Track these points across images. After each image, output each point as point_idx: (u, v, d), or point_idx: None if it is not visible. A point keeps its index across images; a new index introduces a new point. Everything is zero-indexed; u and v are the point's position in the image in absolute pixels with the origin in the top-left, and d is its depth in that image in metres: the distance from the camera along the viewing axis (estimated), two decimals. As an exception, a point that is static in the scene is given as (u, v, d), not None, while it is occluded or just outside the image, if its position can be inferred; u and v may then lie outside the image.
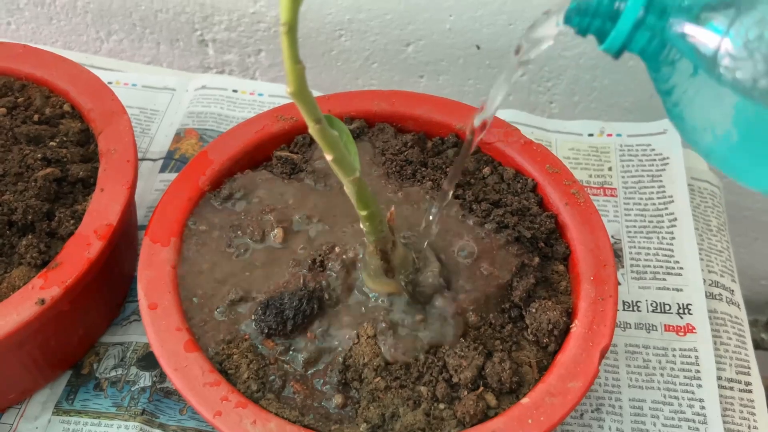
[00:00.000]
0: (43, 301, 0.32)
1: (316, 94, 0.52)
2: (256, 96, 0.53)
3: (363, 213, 0.30)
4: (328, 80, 0.61)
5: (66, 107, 0.42)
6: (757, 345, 0.69)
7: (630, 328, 0.42)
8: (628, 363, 0.40)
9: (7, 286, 0.34)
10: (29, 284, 0.33)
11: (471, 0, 0.54)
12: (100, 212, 0.36)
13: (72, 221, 0.36)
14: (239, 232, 0.37)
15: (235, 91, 0.54)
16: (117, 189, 0.37)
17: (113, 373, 0.39)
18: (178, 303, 0.34)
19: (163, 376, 0.39)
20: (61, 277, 0.33)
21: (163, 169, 0.48)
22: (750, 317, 0.71)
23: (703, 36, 0.24)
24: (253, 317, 0.34)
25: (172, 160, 0.49)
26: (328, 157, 0.27)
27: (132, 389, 0.38)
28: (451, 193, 0.33)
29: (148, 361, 0.39)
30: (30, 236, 0.35)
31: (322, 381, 0.32)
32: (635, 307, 0.43)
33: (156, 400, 0.38)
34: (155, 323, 0.33)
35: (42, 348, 0.36)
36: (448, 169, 0.40)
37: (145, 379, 0.38)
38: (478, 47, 0.57)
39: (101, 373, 0.39)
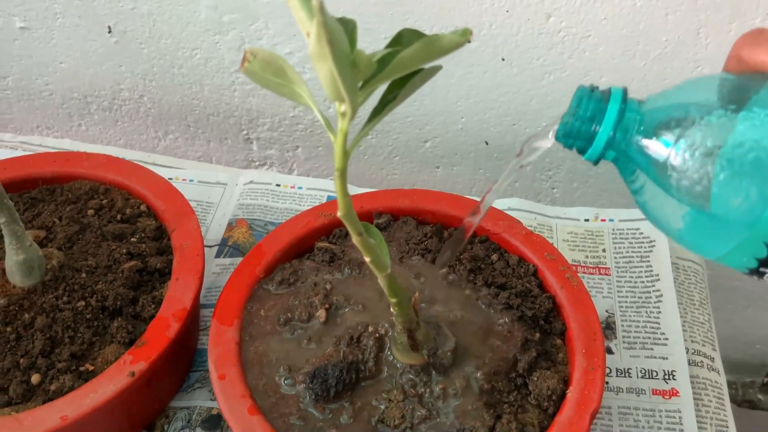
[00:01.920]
0: (133, 374, 0.40)
1: (354, 188, 0.60)
2: (296, 189, 0.62)
3: (393, 300, 0.38)
4: (357, 171, 0.70)
5: (143, 207, 0.50)
6: (754, 405, 0.74)
7: (622, 392, 0.48)
8: (621, 423, 0.47)
9: (101, 360, 0.42)
10: (121, 360, 0.41)
11: (480, 105, 0.62)
12: (177, 298, 0.44)
13: (153, 306, 0.44)
14: (289, 314, 0.44)
15: (278, 185, 0.62)
16: (189, 278, 0.45)
17: (181, 434, 0.46)
18: (242, 374, 0.41)
19: (223, 436, 0.46)
20: (147, 353, 0.41)
21: (218, 255, 0.57)
22: (747, 379, 0.76)
23: (654, 149, 0.32)
24: (302, 385, 0.41)
25: (226, 247, 0.57)
26: (367, 259, 0.35)
27: (198, 447, 0.45)
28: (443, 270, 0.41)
29: (210, 422, 0.46)
30: (119, 319, 0.43)
31: (360, 439, 0.39)
32: (626, 374, 0.49)
33: (218, 456, 0.45)
34: (224, 391, 0.40)
35: (126, 413, 0.43)
36: (462, 256, 0.47)
37: (209, 439, 0.45)
38: (487, 143, 0.65)
39: (171, 433, 0.46)
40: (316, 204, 0.61)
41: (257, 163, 0.72)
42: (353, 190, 0.62)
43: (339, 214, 0.33)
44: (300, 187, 0.62)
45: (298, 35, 0.60)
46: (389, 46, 0.32)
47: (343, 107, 0.29)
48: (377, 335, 0.42)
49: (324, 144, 0.69)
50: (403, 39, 0.31)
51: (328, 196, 0.62)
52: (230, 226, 0.59)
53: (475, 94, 0.62)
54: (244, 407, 0.39)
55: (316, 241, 0.49)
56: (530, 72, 0.59)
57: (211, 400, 0.47)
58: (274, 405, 0.40)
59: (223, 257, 0.56)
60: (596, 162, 0.35)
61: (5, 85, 0.69)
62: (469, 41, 0.28)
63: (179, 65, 0.64)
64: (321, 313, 0.44)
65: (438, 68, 0.32)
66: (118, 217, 0.49)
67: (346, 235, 0.50)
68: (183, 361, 0.48)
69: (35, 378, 0.41)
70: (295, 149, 0.70)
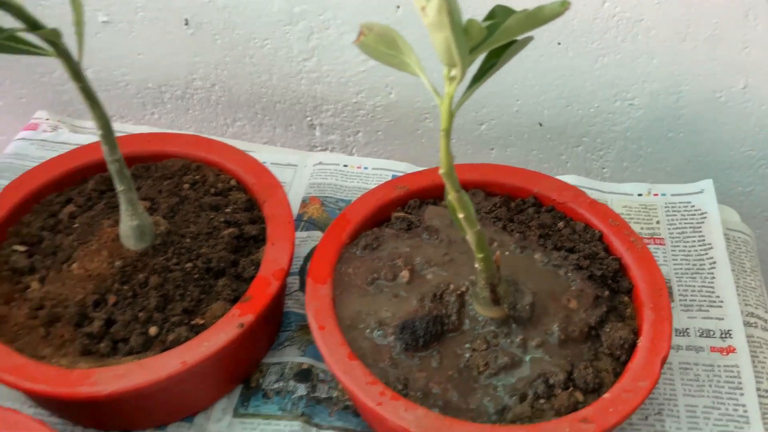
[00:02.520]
0: (242, 325, 0.44)
1: (412, 167, 0.64)
2: (362, 169, 0.66)
3: (479, 256, 0.42)
4: (414, 154, 0.73)
5: (233, 182, 0.55)
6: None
7: (682, 349, 0.52)
8: (682, 377, 0.50)
9: (210, 315, 0.46)
10: (229, 313, 0.45)
11: (535, 88, 0.66)
12: (274, 260, 0.48)
13: (252, 267, 0.48)
14: (375, 274, 0.48)
15: (345, 165, 0.66)
16: (284, 243, 0.49)
17: (276, 386, 0.50)
18: (338, 326, 0.45)
19: (314, 387, 0.50)
20: (253, 307, 0.45)
21: (295, 229, 0.61)
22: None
23: None
24: (392, 336, 0.45)
25: (301, 222, 0.61)
26: (461, 215, 0.39)
27: (292, 397, 0.49)
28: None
29: (301, 375, 0.50)
30: (224, 279, 0.48)
31: (449, 383, 0.43)
32: (685, 333, 0.52)
33: (310, 405, 0.49)
34: (325, 340, 0.44)
35: (231, 364, 0.48)
36: (531, 223, 0.51)
37: (301, 390, 0.49)
38: (541, 124, 0.69)
39: (266, 386, 0.50)
40: (382, 182, 0.65)
41: (319, 148, 0.76)
42: (413, 169, 0.66)
43: (441, 171, 0.37)
44: (365, 168, 0.66)
45: (365, 24, 0.64)
46: (485, 20, 0.36)
47: (453, 71, 0.33)
48: (459, 293, 0.46)
49: (383, 128, 0.73)
50: (497, 14, 0.35)
51: (393, 175, 0.65)
52: (304, 203, 0.63)
53: (531, 78, 0.65)
54: (343, 353, 0.43)
55: (393, 212, 0.53)
56: (584, 56, 0.63)
57: (300, 356, 0.51)
58: (369, 352, 0.44)
59: (300, 231, 0.60)
60: None
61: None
62: (566, 10, 0.32)
63: (250, 55, 0.69)
64: (405, 274, 0.48)
65: (530, 39, 0.36)
66: (212, 191, 0.54)
67: (420, 205, 0.54)
68: (275, 321, 0.52)
69: (153, 330, 0.45)
70: (355, 134, 0.74)
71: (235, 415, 0.49)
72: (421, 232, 0.51)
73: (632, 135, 0.69)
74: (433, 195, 0.54)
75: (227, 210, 0.52)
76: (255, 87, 0.72)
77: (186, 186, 0.54)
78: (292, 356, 0.52)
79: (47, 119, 0.71)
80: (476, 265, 0.43)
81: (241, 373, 0.50)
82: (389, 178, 0.65)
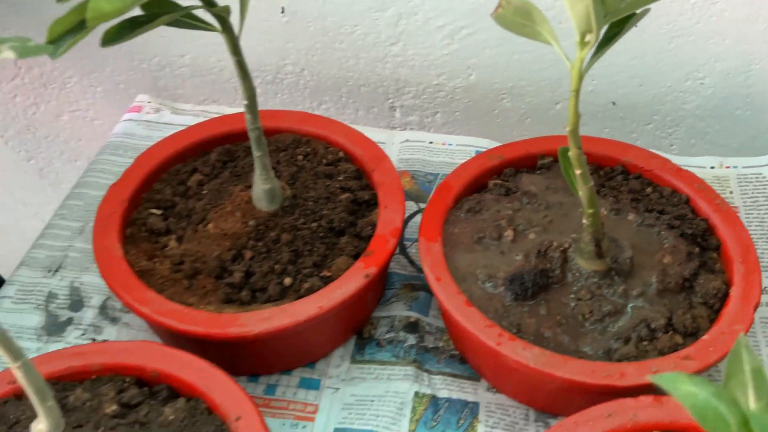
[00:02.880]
0: (368, 275, 0.49)
1: (493, 143, 0.69)
2: (447, 146, 0.71)
3: (589, 211, 0.46)
4: (489, 133, 0.78)
5: (341, 154, 0.60)
6: None
7: (762, 306, 0.55)
8: (763, 330, 0.54)
9: (335, 268, 0.51)
10: (354, 266, 0.50)
11: (611, 67, 0.70)
12: (389, 221, 0.53)
13: (369, 227, 0.53)
14: (481, 234, 0.53)
15: (431, 142, 0.71)
16: (396, 206, 0.54)
17: (387, 336, 0.55)
18: (452, 278, 0.50)
19: (423, 338, 0.54)
20: (376, 260, 0.50)
21: (390, 199, 0.66)
22: None
23: None
24: (502, 287, 0.49)
25: (396, 193, 0.66)
26: (578, 171, 0.43)
27: (403, 346, 0.54)
28: None
29: (410, 327, 0.55)
30: (346, 237, 0.53)
31: (558, 327, 0.47)
32: (765, 291, 0.56)
33: (420, 353, 0.53)
34: (443, 290, 0.49)
35: (353, 314, 0.53)
36: (621, 189, 0.55)
37: (411, 340, 0.54)
38: (614, 103, 0.73)
39: (379, 336, 0.55)
40: (466, 157, 0.69)
41: (398, 129, 0.81)
42: (494, 145, 0.70)
43: (567, 129, 0.42)
44: (450, 144, 0.71)
45: (450, 10, 0.69)
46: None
47: (588, 37, 0.37)
48: (562, 249, 0.50)
49: (461, 109, 0.77)
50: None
51: (475, 150, 0.70)
52: (396, 176, 0.68)
53: (606, 57, 0.69)
54: (461, 301, 0.48)
55: (489, 179, 0.58)
56: (659, 36, 0.67)
57: (407, 310, 0.56)
58: (483, 301, 0.49)
59: (395, 201, 0.65)
60: None
61: (182, 63, 0.80)
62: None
63: (340, 41, 0.74)
64: (509, 233, 0.52)
65: (647, 11, 0.40)
66: (323, 161, 0.59)
67: (515, 174, 0.58)
68: (384, 278, 0.57)
69: (287, 281, 0.50)
70: (434, 115, 0.79)
71: (353, 362, 0.53)
72: (520, 197, 0.55)
73: (701, 113, 0.72)
74: (525, 164, 0.59)
75: (339, 178, 0.57)
76: (342, 71, 0.77)
77: (300, 157, 0.59)
78: (399, 311, 0.56)
79: (149, 102, 0.77)
80: (584, 221, 0.47)
81: (355, 325, 0.55)
82: (472, 153, 0.70)
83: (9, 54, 0.27)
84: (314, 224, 0.53)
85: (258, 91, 0.81)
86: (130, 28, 0.37)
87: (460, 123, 0.79)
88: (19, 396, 0.44)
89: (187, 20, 0.41)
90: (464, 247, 0.52)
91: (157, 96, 0.81)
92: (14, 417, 0.43)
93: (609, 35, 0.40)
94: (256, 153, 0.50)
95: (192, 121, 0.74)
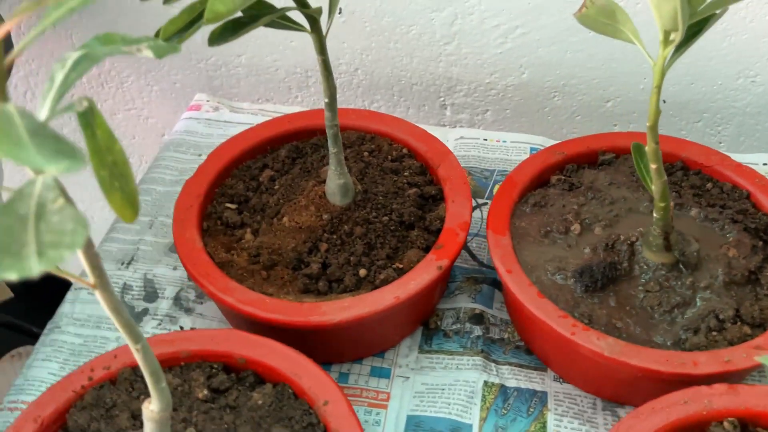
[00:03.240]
0: (440, 267, 0.51)
1: (547, 140, 0.70)
2: (501, 143, 0.72)
3: (661, 205, 0.47)
4: (539, 130, 0.79)
5: (405, 150, 0.61)
6: None
7: (822, 299, 0.56)
8: (825, 323, 0.55)
9: (407, 261, 0.53)
10: (426, 258, 0.52)
11: (663, 67, 0.71)
12: (457, 214, 0.54)
13: (438, 221, 0.55)
14: (548, 227, 0.54)
15: (485, 139, 0.73)
16: (463, 200, 0.55)
17: (453, 327, 0.56)
18: (521, 270, 0.51)
19: (488, 329, 0.56)
20: (447, 253, 0.52)
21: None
22: None
23: None
24: (572, 279, 0.51)
25: (453, 189, 0.67)
26: (653, 166, 0.45)
27: (470, 337, 0.56)
28: None
29: (475, 319, 0.57)
30: (415, 230, 0.54)
31: (628, 318, 0.49)
32: (824, 285, 0.57)
33: (487, 344, 0.55)
34: (514, 282, 0.50)
35: (423, 305, 0.54)
36: (683, 184, 0.57)
37: (477, 331, 0.56)
38: (665, 101, 0.74)
39: (445, 327, 0.57)
40: (521, 153, 0.71)
41: (448, 127, 0.83)
42: (548, 142, 0.72)
43: (648, 124, 0.43)
44: (504, 141, 0.72)
45: (506, 10, 0.71)
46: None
47: (673, 35, 0.38)
48: (629, 242, 0.52)
49: (512, 107, 0.79)
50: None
51: (530, 147, 0.71)
52: (453, 173, 0.69)
53: (660, 57, 0.71)
54: (533, 292, 0.49)
55: (552, 175, 0.59)
56: (712, 35, 0.68)
57: (472, 302, 0.58)
58: (553, 292, 0.51)
59: (454, 196, 0.67)
60: None
61: (239, 63, 0.82)
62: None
63: (395, 40, 0.76)
64: (576, 227, 0.54)
65: (726, 10, 0.41)
66: (388, 157, 0.61)
67: (578, 169, 0.60)
68: (449, 270, 0.58)
69: (362, 272, 0.52)
70: (484, 113, 0.80)
71: (421, 352, 0.55)
72: (585, 192, 0.57)
73: (752, 110, 0.73)
74: (586, 160, 0.60)
75: (405, 174, 0.59)
76: (395, 70, 0.78)
77: (366, 153, 0.61)
78: (464, 303, 0.58)
79: (208, 101, 0.79)
80: (654, 214, 0.48)
81: (422, 317, 0.56)
82: (527, 150, 0.71)
83: (148, 53, 0.29)
84: (385, 218, 0.54)
85: (311, 90, 0.83)
86: (233, 29, 0.39)
87: (510, 120, 0.80)
88: (114, 381, 0.46)
89: (281, 21, 0.43)
90: (532, 240, 0.54)
91: (213, 94, 0.84)
92: (111, 400, 0.45)
93: (689, 34, 0.41)
94: (332, 149, 0.52)
95: (250, 119, 0.77)
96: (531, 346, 0.54)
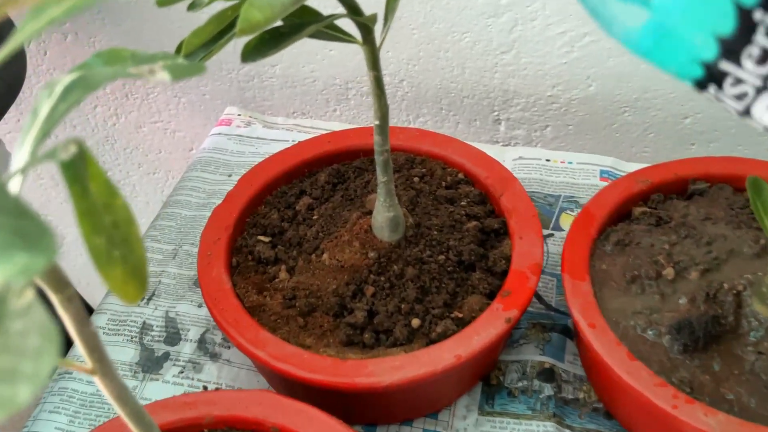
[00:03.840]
0: (509, 320, 0.43)
1: (619, 162, 0.62)
2: (566, 164, 0.64)
3: (783, 251, 0.39)
4: (604, 149, 0.71)
5: (460, 176, 0.54)
6: None
7: None
8: None
9: (468, 309, 0.45)
10: (491, 307, 0.44)
11: (754, 79, 0.63)
12: (526, 254, 0.46)
13: (503, 261, 0.47)
14: (635, 271, 0.46)
15: (548, 160, 0.64)
16: (532, 237, 0.47)
17: (520, 384, 0.48)
18: (607, 325, 0.43)
19: (560, 388, 0.48)
20: (516, 302, 0.44)
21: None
22: None
23: None
24: (668, 336, 0.43)
25: (513, 217, 0.60)
26: (781, 207, 0.36)
27: (540, 397, 0.48)
28: None
29: (545, 375, 0.49)
30: (478, 272, 0.47)
31: (740, 387, 0.40)
32: None
33: (559, 406, 0.47)
34: (599, 339, 0.42)
35: (485, 359, 0.46)
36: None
37: (548, 390, 0.48)
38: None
39: (509, 383, 0.49)
40: (590, 178, 0.63)
41: (501, 144, 0.75)
42: (620, 165, 0.63)
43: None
44: (570, 162, 0.64)
45: (573, 15, 0.63)
46: None
47: None
48: (734, 292, 0.43)
49: (576, 123, 0.71)
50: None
51: (600, 170, 0.63)
52: (512, 198, 0.61)
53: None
54: (622, 353, 0.41)
55: (634, 206, 0.51)
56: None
57: (540, 354, 0.50)
58: (644, 352, 0.42)
59: (514, 226, 0.59)
60: None
61: (272, 73, 0.75)
62: None
63: (445, 49, 0.68)
64: (669, 271, 0.46)
65: None
66: (442, 184, 0.53)
67: (665, 200, 0.51)
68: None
69: (415, 322, 0.44)
70: (543, 128, 0.72)
71: (481, 413, 0.47)
72: (676, 229, 0.48)
73: None
74: (675, 189, 0.52)
75: (462, 203, 0.51)
76: (444, 82, 0.71)
77: (416, 179, 0.53)
78: (531, 355, 0.50)
79: (239, 115, 0.72)
80: (771, 262, 0.40)
81: (484, 370, 0.49)
82: (596, 173, 0.63)
83: (164, 76, 0.22)
84: (441, 257, 0.47)
85: (351, 103, 0.76)
86: (271, 41, 0.32)
87: (573, 137, 0.72)
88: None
89: (328, 31, 0.36)
90: (616, 287, 0.46)
91: (244, 107, 0.77)
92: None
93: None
94: (381, 178, 0.45)
95: (284, 135, 0.70)
96: (612, 411, 0.46)
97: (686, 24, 0.21)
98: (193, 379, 0.50)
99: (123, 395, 0.26)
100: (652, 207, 0.51)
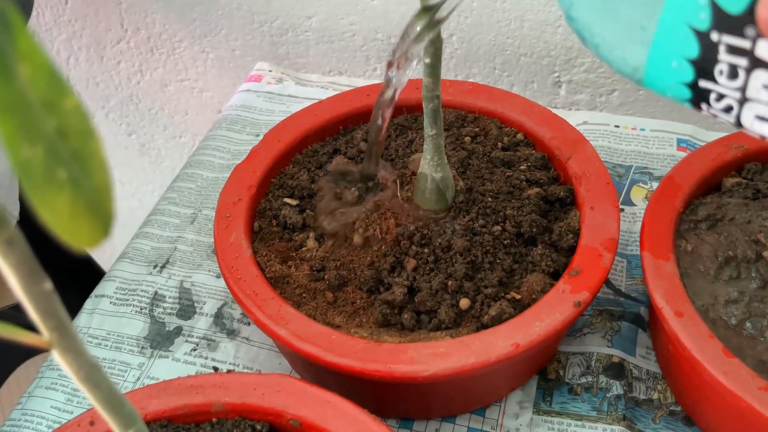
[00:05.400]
0: (579, 304, 0.36)
1: (698, 130, 0.54)
2: (638, 131, 0.56)
3: None
4: (679, 116, 0.63)
5: (519, 136, 0.47)
6: None
7: None
8: None
9: (527, 289, 0.38)
10: (557, 288, 0.37)
11: None
12: (599, 227, 0.39)
13: (570, 235, 0.40)
14: (730, 252, 0.38)
15: (617, 126, 0.57)
16: (607, 208, 0.40)
17: (583, 380, 0.41)
18: (696, 314, 0.36)
19: (631, 386, 0.41)
20: (587, 283, 0.37)
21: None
22: None
23: None
24: (772, 331, 0.35)
25: (576, 189, 0.52)
26: None
27: (607, 396, 0.40)
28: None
29: (613, 370, 0.41)
30: (540, 247, 0.39)
31: None
32: None
33: (630, 408, 0.40)
34: (688, 330, 0.35)
35: (545, 350, 0.40)
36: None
37: (616, 388, 0.41)
38: None
39: (570, 379, 0.42)
40: (666, 147, 0.55)
41: (562, 109, 0.67)
42: (700, 132, 0.55)
43: None
44: (642, 129, 0.56)
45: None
46: None
47: None
48: None
49: (647, 87, 0.62)
50: None
51: (677, 138, 0.55)
52: (574, 168, 0.54)
53: None
54: (717, 349, 0.34)
55: (726, 177, 0.43)
56: None
57: (608, 346, 0.43)
58: (741, 349, 0.35)
59: (577, 199, 0.52)
60: None
61: (308, 26, 0.68)
62: None
63: (502, -1, 0.61)
64: (772, 252, 0.38)
65: None
66: (498, 145, 0.46)
67: (762, 170, 0.43)
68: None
69: (464, 303, 0.37)
70: (610, 93, 0.64)
71: (537, 412, 0.40)
72: (778, 202, 0.40)
73: None
74: (774, 158, 0.44)
75: (522, 168, 0.44)
76: (500, 37, 0.63)
77: (467, 139, 0.46)
78: (597, 346, 0.43)
79: (270, 71, 0.66)
80: None
81: (541, 362, 0.42)
82: (673, 142, 0.55)
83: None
84: (497, 228, 0.40)
85: (393, 60, 0.69)
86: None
87: (643, 104, 0.64)
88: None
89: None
90: (705, 269, 0.38)
91: (277, 65, 0.71)
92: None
93: None
94: (429, 131, 0.38)
95: (319, 93, 0.63)
96: (695, 416, 0.39)
97: (666, 53, 0.24)
98: (206, 358, 0.44)
99: (93, 376, 0.20)
100: (747, 178, 0.43)
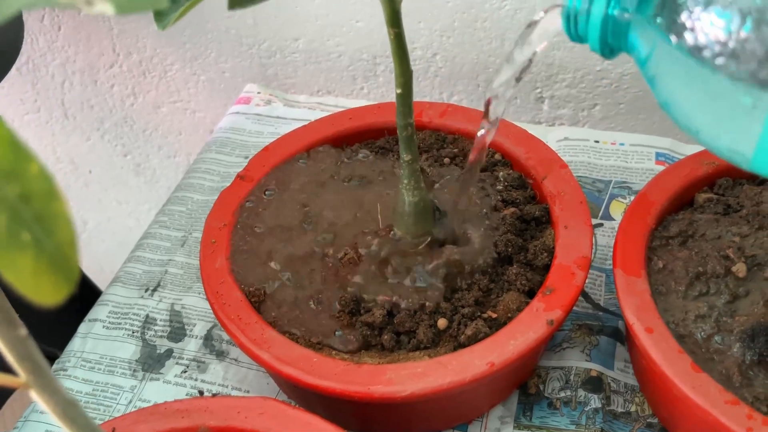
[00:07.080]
0: (552, 322, 0.37)
1: (677, 144, 0.55)
2: (617, 146, 0.57)
3: None
4: (660, 130, 0.64)
5: (497, 156, 0.48)
6: None
7: None
8: None
9: (503, 308, 0.39)
10: (531, 306, 0.38)
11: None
12: (572, 246, 0.40)
13: (544, 254, 0.41)
14: (700, 268, 0.39)
15: (597, 141, 0.58)
16: (580, 226, 0.41)
17: (562, 394, 0.42)
18: (667, 329, 0.37)
19: (609, 399, 0.42)
20: (560, 301, 0.38)
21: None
22: None
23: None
24: (739, 344, 0.36)
25: (556, 204, 0.53)
26: None
27: (585, 409, 0.41)
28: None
29: (592, 384, 0.42)
30: (515, 266, 0.41)
31: (831, 408, 0.34)
32: None
33: (608, 420, 0.41)
34: (658, 346, 0.36)
35: (522, 367, 0.41)
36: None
37: (594, 402, 0.42)
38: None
39: (550, 393, 0.43)
40: (644, 161, 0.56)
41: (544, 125, 0.68)
42: (679, 146, 0.56)
43: None
44: (622, 144, 0.57)
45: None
46: None
47: None
48: (822, 293, 0.36)
49: (628, 101, 0.64)
50: None
51: (656, 152, 0.56)
52: (555, 183, 0.55)
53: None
54: (685, 364, 0.35)
55: (698, 192, 0.44)
56: None
57: (586, 360, 0.44)
58: (710, 363, 0.36)
59: (557, 214, 0.53)
60: (604, 54, 0.31)
61: (295, 48, 0.70)
62: None
63: (483, 19, 0.62)
64: (740, 267, 0.39)
65: None
66: (476, 165, 0.47)
67: (734, 185, 0.44)
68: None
69: (441, 323, 0.39)
70: (591, 108, 0.65)
71: (518, 427, 0.41)
72: (748, 218, 0.41)
73: None
74: (746, 173, 0.45)
75: (498, 188, 0.45)
76: (482, 55, 0.65)
77: (446, 160, 0.47)
78: (575, 360, 0.44)
79: (259, 93, 0.67)
80: None
81: (520, 377, 0.43)
82: (652, 156, 0.56)
83: (105, 7, 0.17)
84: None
85: (379, 80, 0.70)
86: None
87: (624, 117, 0.65)
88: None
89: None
90: (676, 286, 0.39)
91: (266, 86, 0.72)
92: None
93: None
94: (405, 156, 0.39)
95: (306, 114, 0.64)
96: (670, 428, 0.40)
97: None
98: (196, 380, 0.45)
99: (69, 412, 0.21)
100: (718, 193, 0.44)
